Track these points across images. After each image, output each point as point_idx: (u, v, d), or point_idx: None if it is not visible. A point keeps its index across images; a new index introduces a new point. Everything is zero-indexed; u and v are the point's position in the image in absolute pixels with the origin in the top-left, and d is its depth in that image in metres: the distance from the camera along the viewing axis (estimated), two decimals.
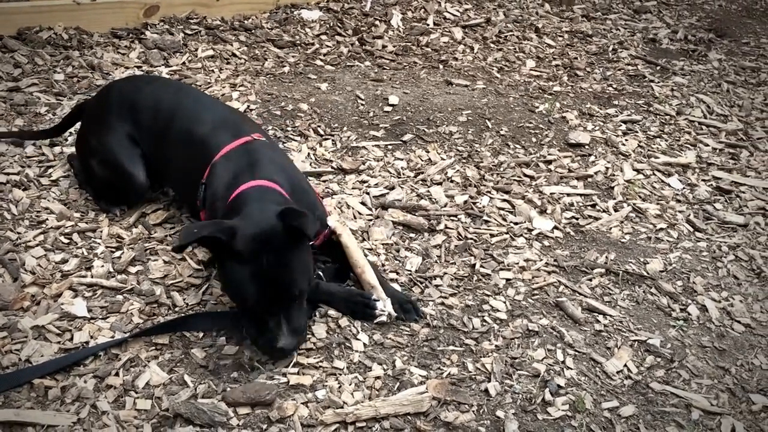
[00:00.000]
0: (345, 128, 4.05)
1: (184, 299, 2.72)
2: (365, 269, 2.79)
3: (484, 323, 2.79)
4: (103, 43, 4.64)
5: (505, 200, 3.59)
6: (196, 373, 2.42)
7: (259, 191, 2.61)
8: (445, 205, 3.51)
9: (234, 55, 4.81)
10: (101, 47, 4.59)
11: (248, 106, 4.12)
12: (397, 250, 3.15)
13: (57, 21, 4.65)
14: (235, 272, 2.39)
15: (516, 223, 3.44)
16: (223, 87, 4.32)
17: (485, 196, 3.61)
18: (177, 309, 2.68)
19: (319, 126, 4.02)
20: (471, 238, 3.30)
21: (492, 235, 3.34)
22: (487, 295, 2.95)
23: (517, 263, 3.16)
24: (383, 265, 3.04)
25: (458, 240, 3.28)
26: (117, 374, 2.37)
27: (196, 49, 4.76)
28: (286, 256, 2.41)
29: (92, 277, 2.75)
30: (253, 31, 5.16)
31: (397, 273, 3.01)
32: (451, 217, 3.43)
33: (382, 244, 3.18)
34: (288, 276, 2.40)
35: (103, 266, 2.81)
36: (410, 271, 3.03)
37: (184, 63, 4.60)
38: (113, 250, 2.93)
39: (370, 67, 4.89)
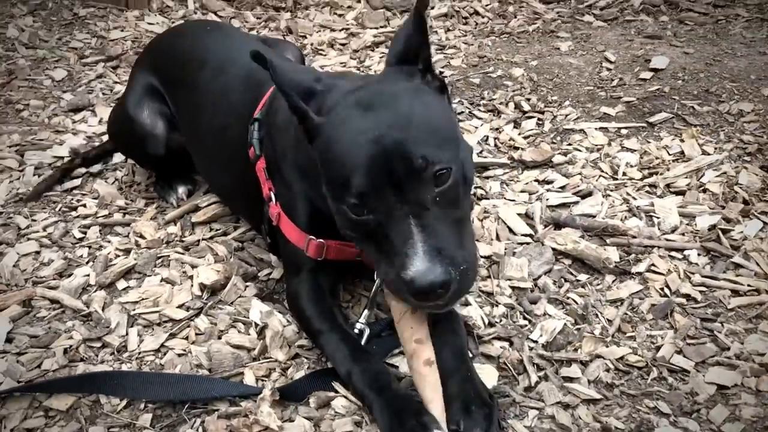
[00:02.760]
0: (566, 102, 2.70)
1: (140, 339, 1.77)
2: (421, 352, 1.51)
3: None
4: (323, 3, 3.87)
5: None
6: None
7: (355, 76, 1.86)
8: (673, 231, 2.02)
9: (476, 12, 3.69)
10: (318, 8, 3.83)
11: (440, 72, 2.99)
12: (534, 302, 1.80)
13: None
14: (329, 146, 1.47)
15: None
16: None
17: (755, 219, 2.02)
18: (123, 355, 1.74)
19: (528, 99, 2.73)
20: (687, 295, 1.79)
21: (736, 293, 1.79)
22: (663, 415, 1.48)
23: (757, 358, 1.59)
24: (490, 322, 1.74)
25: (660, 295, 1.81)
26: None
27: (432, 7, 3.74)
28: (403, 106, 1.44)
29: (61, 290, 1.95)
30: None
31: (510, 342, 1.69)
32: (672, 253, 1.94)
33: (513, 287, 1.86)
34: (407, 139, 1.38)
35: (86, 276, 1.99)
36: (535, 342, 1.68)
37: None
38: (120, 254, 2.10)
39: (661, 23, 3.37)
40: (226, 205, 2.24)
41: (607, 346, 1.66)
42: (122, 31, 3.59)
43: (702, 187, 2.19)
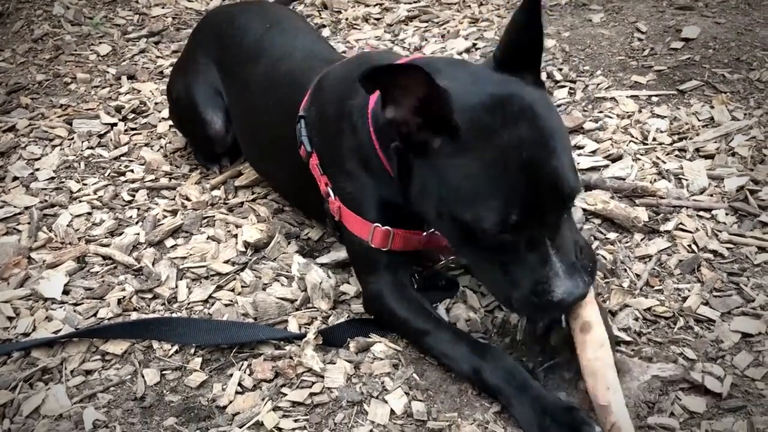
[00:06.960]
0: (598, 72, 2.74)
1: (189, 291, 1.88)
2: (602, 385, 1.37)
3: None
4: None
5: None
6: (122, 408, 1.57)
7: (438, 60, 1.63)
8: (702, 192, 2.07)
9: None
10: None
11: (473, 45, 3.06)
12: None
13: None
14: (461, 169, 1.37)
15: None
16: (460, 23, 3.30)
17: None
18: (173, 306, 1.85)
19: (560, 69, 2.78)
20: (713, 251, 1.85)
21: (762, 249, 1.84)
22: (689, 360, 1.55)
23: None
24: None
25: (688, 251, 1.87)
26: (13, 389, 1.64)
27: None
28: (540, 126, 1.35)
29: (113, 246, 2.06)
30: None
31: None
32: (700, 213, 1.99)
33: None
34: (558, 167, 1.34)
35: (136, 234, 2.10)
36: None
37: None
38: (168, 214, 2.20)
39: None
40: (287, 200, 2.22)
41: (635, 298, 1.73)
42: (163, 8, 3.68)
43: (731, 151, 2.23)
